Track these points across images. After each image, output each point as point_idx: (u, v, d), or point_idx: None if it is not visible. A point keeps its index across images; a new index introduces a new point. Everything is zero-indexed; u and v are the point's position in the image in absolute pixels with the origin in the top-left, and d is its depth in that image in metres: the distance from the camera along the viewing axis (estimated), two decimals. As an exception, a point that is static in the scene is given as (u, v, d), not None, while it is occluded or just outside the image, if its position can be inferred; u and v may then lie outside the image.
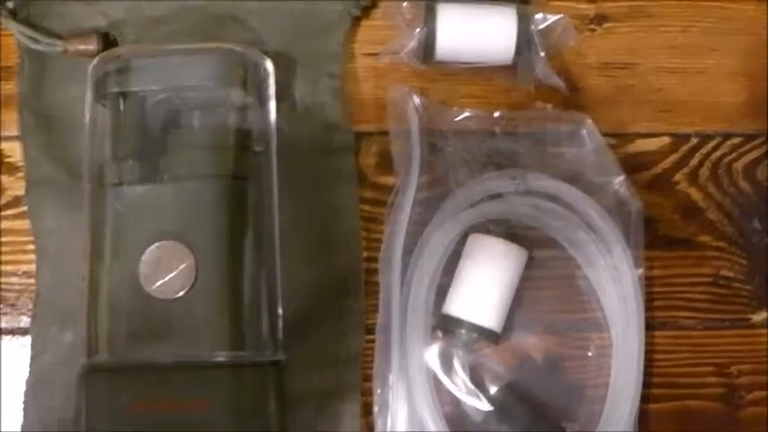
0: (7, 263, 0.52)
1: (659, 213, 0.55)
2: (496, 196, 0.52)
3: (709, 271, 0.55)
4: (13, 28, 0.52)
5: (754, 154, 0.57)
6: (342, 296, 0.51)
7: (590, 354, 0.53)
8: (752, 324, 0.55)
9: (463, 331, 0.50)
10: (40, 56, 0.52)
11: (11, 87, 0.53)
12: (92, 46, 0.51)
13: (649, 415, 0.53)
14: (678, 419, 0.53)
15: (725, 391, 0.54)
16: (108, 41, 0.52)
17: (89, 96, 0.48)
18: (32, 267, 0.51)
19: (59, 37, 0.52)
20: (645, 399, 0.52)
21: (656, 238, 0.55)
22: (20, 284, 0.52)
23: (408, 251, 0.51)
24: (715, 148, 0.57)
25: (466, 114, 0.54)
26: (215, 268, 0.44)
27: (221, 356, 0.43)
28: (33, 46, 0.52)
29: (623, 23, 0.58)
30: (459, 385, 0.51)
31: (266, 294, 0.46)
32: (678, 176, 0.56)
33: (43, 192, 0.51)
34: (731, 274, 0.55)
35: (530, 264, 0.52)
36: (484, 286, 0.50)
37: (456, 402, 0.51)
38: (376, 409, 0.50)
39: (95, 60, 0.48)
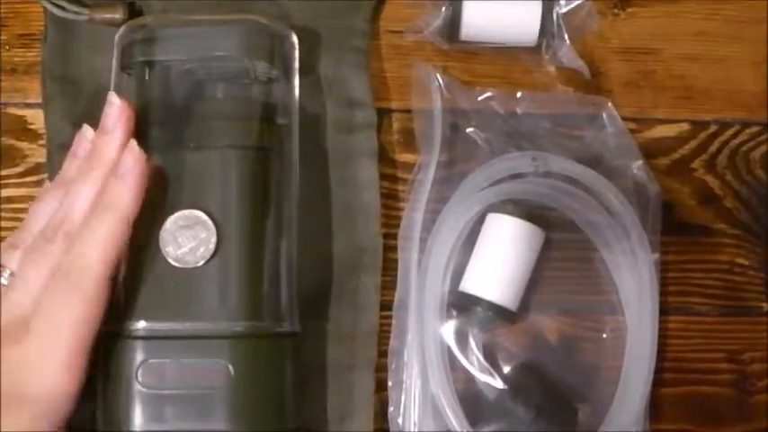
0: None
1: (676, 199, 0.56)
2: (516, 176, 0.52)
3: (724, 258, 0.56)
4: (40, -5, 0.52)
5: (773, 143, 0.57)
6: (359, 272, 0.51)
7: (604, 336, 0.53)
8: (765, 312, 0.55)
9: (479, 309, 0.50)
10: (66, 24, 0.52)
11: (34, 55, 0.54)
12: (118, 15, 0.51)
13: (661, 399, 0.53)
14: (689, 404, 0.54)
15: (736, 377, 0.54)
16: (134, 11, 0.52)
17: (115, 65, 0.48)
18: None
19: (85, 5, 0.52)
20: (657, 383, 0.52)
21: (673, 223, 0.55)
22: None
23: (427, 229, 0.52)
24: (734, 136, 0.57)
25: (488, 94, 0.54)
26: (236, 238, 0.44)
27: (239, 326, 0.44)
28: (59, 14, 0.52)
29: (647, 8, 0.57)
30: (474, 363, 0.51)
31: (285, 266, 0.47)
32: (696, 163, 0.56)
33: (65, 159, 0.52)
34: (746, 262, 0.55)
35: (547, 245, 0.52)
36: (501, 265, 0.51)
37: (470, 380, 0.51)
38: (390, 384, 0.51)
39: (121, 29, 0.48)
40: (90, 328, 0.41)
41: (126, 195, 0.42)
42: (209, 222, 0.43)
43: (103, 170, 0.43)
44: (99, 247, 0.41)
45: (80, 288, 0.40)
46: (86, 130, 0.46)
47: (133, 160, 0.42)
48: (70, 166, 0.46)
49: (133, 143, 0.43)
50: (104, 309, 0.41)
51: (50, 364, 0.40)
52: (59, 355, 0.40)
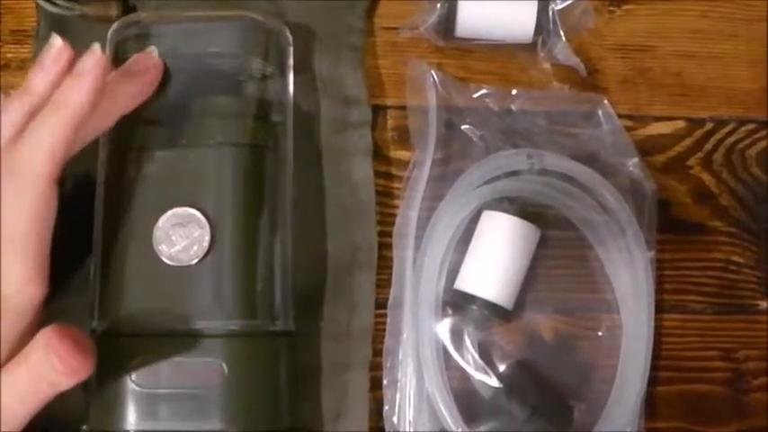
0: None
1: (672, 197, 0.56)
2: (512, 174, 0.52)
3: (719, 256, 0.55)
4: (32, -10, 0.51)
5: (768, 141, 0.57)
6: (354, 270, 0.51)
7: (600, 334, 0.53)
8: (761, 310, 0.55)
9: (474, 307, 0.50)
10: (58, 19, 0.52)
11: (26, 51, 0.53)
12: (111, 11, 0.51)
13: (656, 397, 0.53)
14: (685, 402, 0.53)
15: (731, 375, 0.54)
16: (127, 7, 0.52)
17: (108, 61, 0.48)
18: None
19: (77, 1, 0.51)
20: (652, 381, 0.52)
21: (669, 221, 0.55)
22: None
23: (422, 226, 0.52)
24: (729, 134, 0.57)
25: (483, 91, 0.54)
26: (230, 236, 0.44)
27: (234, 325, 0.43)
28: (51, 9, 0.51)
29: (643, 6, 0.58)
30: (469, 361, 0.51)
31: (280, 264, 0.46)
32: (692, 161, 0.56)
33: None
34: (742, 260, 0.55)
35: (543, 243, 0.52)
36: (496, 263, 0.50)
37: (465, 378, 0.51)
38: (385, 382, 0.50)
39: (115, 25, 0.48)
40: (42, 231, 0.39)
41: (80, 95, 0.39)
42: (203, 220, 0.43)
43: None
44: (46, 147, 0.39)
45: (26, 187, 0.39)
46: (55, 40, 0.42)
47: (94, 61, 0.40)
48: (37, 81, 0.42)
49: (96, 46, 0.41)
50: (54, 215, 0.40)
51: (12, 265, 0.39)
52: (21, 256, 0.39)
